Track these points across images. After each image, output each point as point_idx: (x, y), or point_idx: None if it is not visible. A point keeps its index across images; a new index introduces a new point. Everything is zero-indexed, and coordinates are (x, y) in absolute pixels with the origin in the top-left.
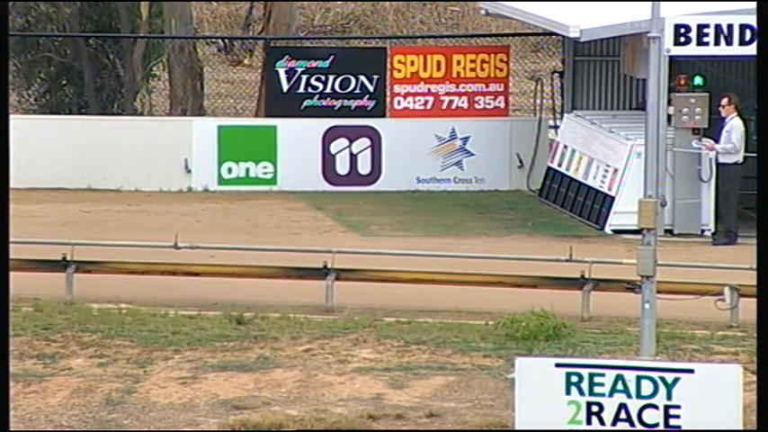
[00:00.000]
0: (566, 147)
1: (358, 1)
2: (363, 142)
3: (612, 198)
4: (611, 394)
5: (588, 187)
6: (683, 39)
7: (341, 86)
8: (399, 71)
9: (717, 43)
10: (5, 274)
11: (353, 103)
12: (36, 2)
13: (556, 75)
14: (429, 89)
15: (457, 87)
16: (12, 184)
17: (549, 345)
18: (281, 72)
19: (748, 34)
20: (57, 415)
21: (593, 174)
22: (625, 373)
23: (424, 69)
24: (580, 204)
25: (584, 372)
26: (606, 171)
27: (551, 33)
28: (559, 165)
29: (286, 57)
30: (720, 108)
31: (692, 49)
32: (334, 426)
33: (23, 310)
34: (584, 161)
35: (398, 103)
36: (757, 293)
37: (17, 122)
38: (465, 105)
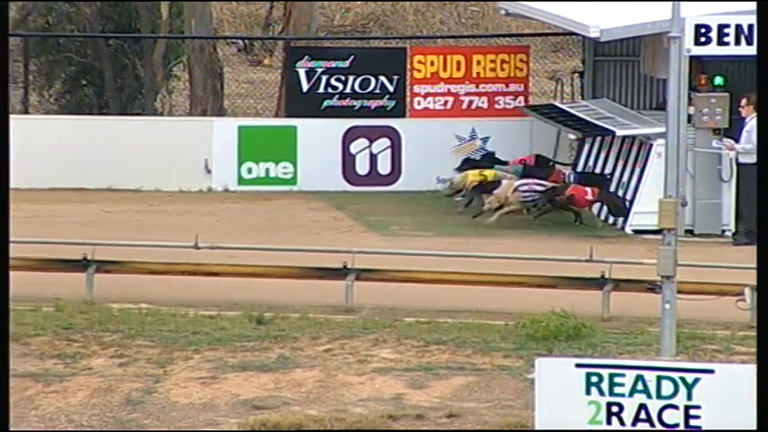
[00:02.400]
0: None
1: (378, 1)
2: (383, 142)
3: (633, 198)
4: (631, 394)
5: (609, 187)
6: (703, 39)
7: (361, 87)
8: (419, 71)
9: (737, 43)
10: (5, 274)
11: (373, 104)
12: (56, 1)
13: (576, 75)
14: (449, 89)
15: (477, 87)
16: (33, 185)
17: (570, 345)
18: (301, 72)
19: None
20: (77, 415)
21: (614, 173)
22: (645, 373)
23: (444, 69)
24: (600, 204)
25: (605, 372)
26: (627, 171)
27: (571, 33)
28: (582, 165)
29: (306, 57)
30: (741, 108)
31: (712, 49)
32: (354, 426)
33: (44, 310)
34: (604, 161)
35: (418, 103)
36: (757, 293)
37: (38, 123)
38: (485, 105)
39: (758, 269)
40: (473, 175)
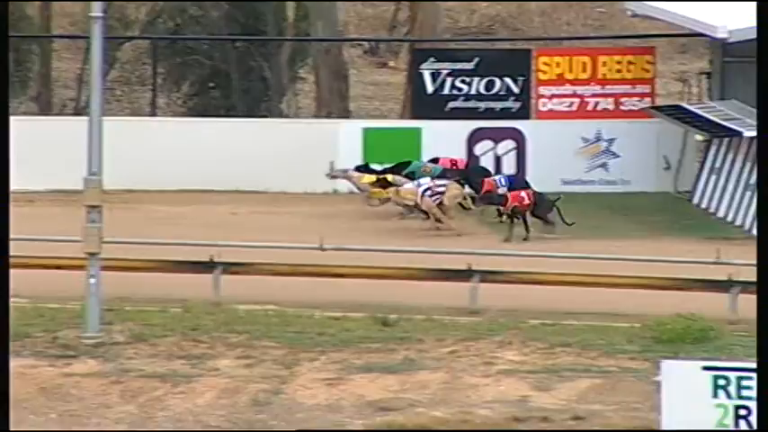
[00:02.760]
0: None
1: (504, 1)
2: (508, 144)
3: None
4: None
5: (736, 188)
6: None
7: (486, 88)
8: (544, 73)
9: None
10: (5, 274)
11: (498, 105)
12: (184, 1)
13: (703, 76)
14: (574, 91)
15: (602, 89)
16: (161, 187)
17: (696, 348)
18: (426, 74)
19: None
20: (204, 415)
21: (742, 175)
22: None
23: (570, 71)
24: (727, 205)
25: (732, 375)
26: (755, 172)
27: (699, 34)
28: (709, 166)
29: (431, 59)
30: None
31: None
32: (480, 427)
33: (172, 311)
34: (731, 162)
35: (543, 104)
36: (757, 293)
37: (165, 125)
38: (611, 107)
39: (758, 269)
40: (368, 178)
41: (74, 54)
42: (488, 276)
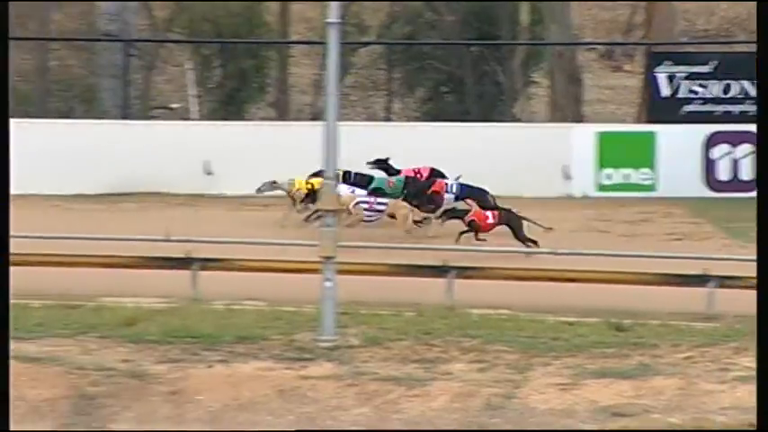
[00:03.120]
0: None
1: (745, 1)
2: (746, 148)
3: None
4: None
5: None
6: None
7: (723, 92)
8: None
9: None
10: (6, 273)
11: (736, 109)
12: (419, 1)
13: None
14: None
15: None
16: None
17: None
18: (662, 77)
19: None
20: (439, 419)
21: None
22: None
23: None
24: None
25: None
26: None
27: None
28: None
29: (667, 62)
30: None
31: None
32: None
33: (405, 315)
34: None
35: None
36: (757, 292)
37: (401, 130)
38: None
39: (758, 269)
40: (300, 183)
41: (311, 60)
42: (725, 282)
